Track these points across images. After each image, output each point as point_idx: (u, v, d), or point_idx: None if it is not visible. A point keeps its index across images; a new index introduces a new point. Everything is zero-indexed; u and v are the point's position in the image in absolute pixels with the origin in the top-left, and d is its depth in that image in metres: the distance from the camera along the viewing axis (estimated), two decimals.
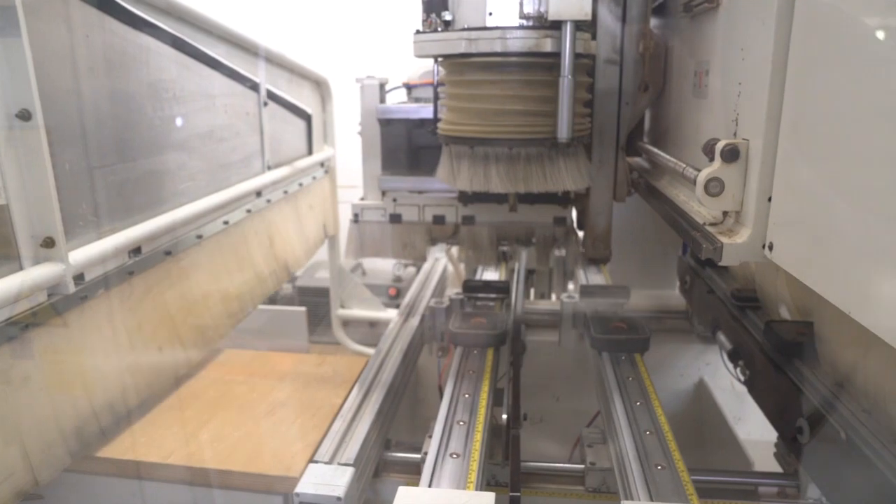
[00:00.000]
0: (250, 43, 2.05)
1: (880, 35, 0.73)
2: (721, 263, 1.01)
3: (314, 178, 2.63)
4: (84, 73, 1.22)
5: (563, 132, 1.37)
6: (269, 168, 2.19)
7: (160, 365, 1.51)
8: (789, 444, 1.22)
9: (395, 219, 1.98)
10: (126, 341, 1.37)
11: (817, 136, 0.84)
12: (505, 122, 1.40)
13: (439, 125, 1.53)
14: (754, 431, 1.78)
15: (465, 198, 1.91)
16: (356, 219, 2.01)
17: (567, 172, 1.46)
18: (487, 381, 1.38)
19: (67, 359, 1.18)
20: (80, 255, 1.20)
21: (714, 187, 1.02)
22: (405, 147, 1.97)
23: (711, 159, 1.03)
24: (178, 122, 1.61)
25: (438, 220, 1.96)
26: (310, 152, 2.65)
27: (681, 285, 2.04)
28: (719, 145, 1.01)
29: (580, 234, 1.94)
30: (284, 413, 1.51)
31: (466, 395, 1.31)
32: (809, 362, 1.23)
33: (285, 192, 2.31)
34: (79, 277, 1.21)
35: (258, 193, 2.09)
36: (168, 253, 1.55)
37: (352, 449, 1.18)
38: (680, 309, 2.15)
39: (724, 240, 1.02)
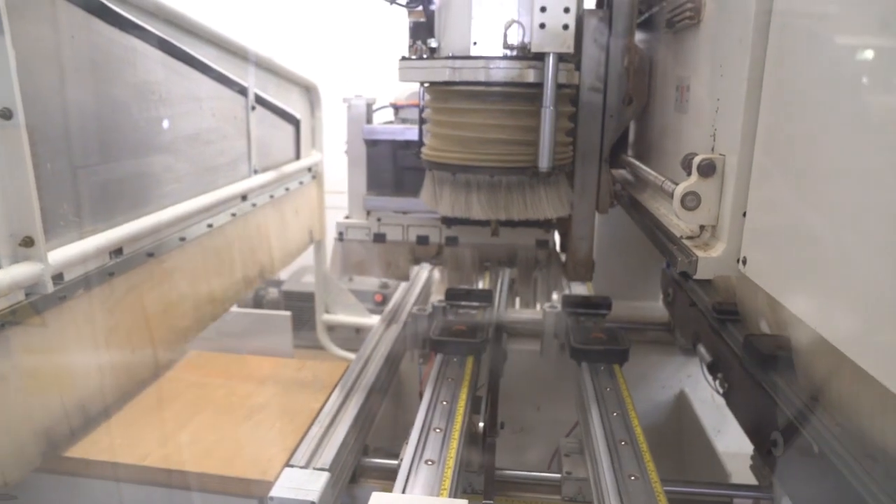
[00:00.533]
0: (239, 47, 2.06)
1: (851, 56, 0.75)
2: (696, 277, 1.02)
3: (301, 182, 2.64)
4: (68, 73, 1.23)
5: (544, 162, 1.38)
6: (256, 172, 2.20)
7: (137, 366, 1.50)
8: (764, 457, 1.23)
9: (380, 238, 2.00)
10: (104, 342, 1.37)
11: (789, 152, 0.86)
12: (487, 151, 1.42)
13: (423, 150, 1.54)
14: (733, 444, 1.79)
15: (448, 220, 1.92)
16: (341, 237, 2.02)
17: (548, 201, 1.48)
18: (466, 388, 1.38)
19: (44, 359, 1.18)
20: (60, 255, 1.19)
21: (691, 201, 1.03)
22: (391, 168, 1.99)
23: (689, 173, 1.05)
24: (164, 124, 1.61)
25: (422, 240, 1.98)
26: (297, 157, 2.65)
27: (664, 297, 2.05)
28: (696, 160, 1.03)
29: (562, 256, 1.95)
30: (262, 417, 1.51)
31: (444, 403, 1.32)
32: (786, 376, 1.24)
33: (271, 197, 2.31)
34: (58, 277, 1.21)
35: (244, 197, 2.10)
36: (150, 254, 1.55)
37: (328, 454, 1.18)
38: (663, 321, 2.17)
39: (699, 253, 1.03)
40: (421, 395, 1.46)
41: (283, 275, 4.13)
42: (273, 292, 3.87)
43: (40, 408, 1.20)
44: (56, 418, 1.23)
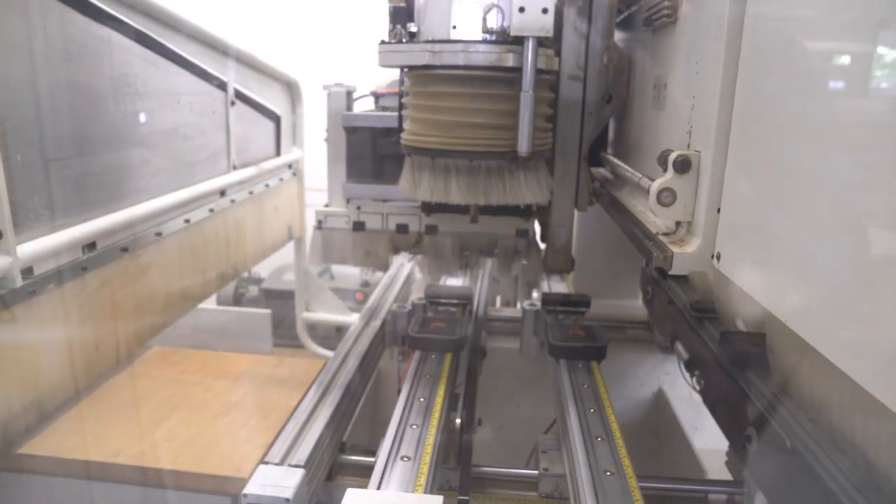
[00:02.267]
0: (219, 41, 2.04)
1: (817, 58, 0.76)
2: (671, 272, 1.03)
3: (281, 179, 2.62)
4: (40, 63, 1.21)
5: (524, 146, 1.39)
6: (235, 168, 2.18)
7: (108, 361, 1.49)
8: (739, 453, 1.24)
9: (359, 226, 1.98)
10: (76, 337, 1.35)
11: (760, 150, 0.87)
12: (466, 135, 1.42)
13: (402, 135, 1.54)
14: (710, 441, 1.81)
15: (427, 207, 1.91)
16: (320, 225, 2.01)
17: (527, 186, 1.48)
18: (443, 385, 1.38)
19: (11, 353, 1.16)
20: (30, 248, 1.18)
21: (666, 197, 1.04)
22: (370, 155, 1.97)
23: (665, 170, 1.06)
24: (141, 117, 1.60)
25: (402, 228, 1.97)
26: (278, 154, 2.64)
27: (643, 296, 2.06)
28: (672, 156, 1.04)
29: (542, 246, 1.96)
30: (238, 414, 1.50)
31: (422, 399, 1.32)
32: (761, 372, 1.26)
33: (250, 193, 2.30)
34: (27, 271, 1.20)
35: (222, 193, 2.08)
36: (125, 249, 1.53)
37: (303, 451, 1.17)
38: (642, 319, 2.18)
39: (675, 249, 1.04)
40: (399, 393, 1.46)
41: (264, 273, 4.12)
42: (253, 290, 3.86)
43: (6, 403, 1.18)
44: (25, 413, 1.22)
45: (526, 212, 1.89)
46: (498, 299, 2.75)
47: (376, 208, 1.98)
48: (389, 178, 1.87)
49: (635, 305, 2.29)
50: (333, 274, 4.03)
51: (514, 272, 2.25)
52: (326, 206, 2.04)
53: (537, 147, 1.45)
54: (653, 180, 1.12)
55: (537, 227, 2.01)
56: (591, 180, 1.77)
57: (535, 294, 2.35)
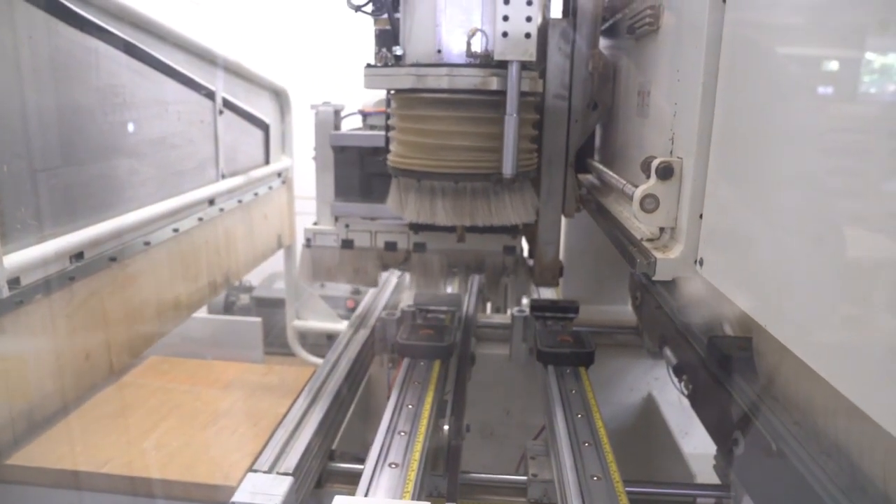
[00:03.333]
0: (206, 51, 2.04)
1: (797, 62, 0.77)
2: (655, 278, 1.04)
3: (270, 188, 2.63)
4: (26, 74, 1.21)
5: (508, 168, 1.39)
6: (224, 177, 2.18)
7: (97, 372, 1.48)
8: (726, 456, 1.25)
9: (348, 244, 1.99)
10: (65, 347, 1.35)
11: (741, 155, 0.88)
12: (451, 157, 1.43)
13: (388, 157, 1.55)
14: (699, 445, 1.82)
15: (415, 226, 1.92)
16: (308, 243, 2.01)
17: (512, 207, 1.49)
18: (432, 392, 1.39)
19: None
20: (16, 258, 1.18)
21: (649, 204, 1.05)
22: (358, 174, 1.98)
23: (648, 176, 1.07)
24: (129, 127, 1.60)
25: (390, 246, 1.98)
26: (267, 162, 2.64)
27: (632, 301, 2.07)
28: (655, 163, 1.05)
29: (530, 262, 1.97)
30: (227, 422, 1.50)
31: (410, 406, 1.32)
32: (748, 376, 1.27)
33: (239, 202, 2.30)
34: (14, 282, 1.19)
35: (211, 202, 2.08)
36: (113, 259, 1.53)
37: (292, 458, 1.17)
38: (631, 325, 2.19)
39: (658, 255, 1.05)
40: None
41: (255, 281, 4.11)
42: (244, 298, 3.85)
43: None
44: (3, 424, 1.21)
45: (513, 229, 1.90)
46: (488, 306, 2.76)
47: (365, 226, 1.99)
48: (378, 196, 1.88)
49: (624, 311, 2.30)
50: (324, 282, 4.02)
51: (502, 289, 2.26)
52: (315, 224, 2.04)
53: (522, 168, 1.46)
54: (637, 187, 1.13)
55: (525, 244, 2.02)
56: (578, 186, 1.78)
57: (524, 301, 2.36)
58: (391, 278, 2.34)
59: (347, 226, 1.98)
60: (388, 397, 1.39)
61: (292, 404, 1.37)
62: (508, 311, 2.38)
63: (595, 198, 1.72)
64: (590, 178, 1.88)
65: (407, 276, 2.17)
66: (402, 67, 1.41)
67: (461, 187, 1.45)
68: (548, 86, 1.61)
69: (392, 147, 1.53)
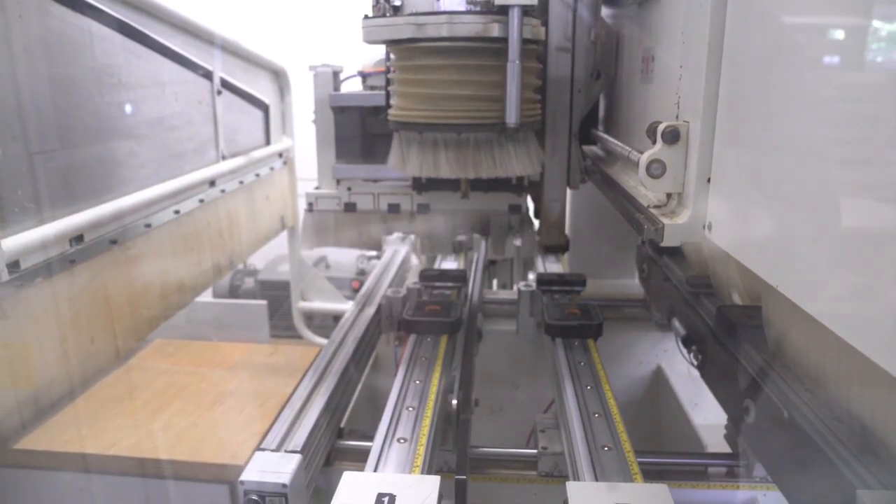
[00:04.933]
0: (203, 30, 2.02)
1: (798, 25, 0.75)
2: (663, 244, 1.02)
3: (272, 168, 2.62)
4: (18, 55, 1.20)
5: (512, 117, 1.38)
6: (224, 158, 2.17)
7: (102, 355, 1.48)
8: (737, 426, 1.24)
9: (350, 207, 1.98)
10: (67, 331, 1.35)
11: (748, 117, 0.86)
12: (453, 108, 1.41)
13: (389, 111, 1.53)
14: (710, 416, 1.82)
15: (419, 185, 1.91)
16: (311, 208, 2.00)
17: (517, 158, 1.47)
18: (439, 367, 1.38)
19: (2, 349, 1.16)
20: (15, 242, 1.17)
21: (656, 169, 1.03)
22: (359, 135, 1.97)
23: (654, 141, 1.05)
24: (126, 108, 1.59)
25: (393, 208, 1.96)
26: (267, 143, 2.63)
27: (639, 274, 2.06)
28: (660, 127, 1.03)
29: (536, 222, 1.95)
30: (233, 402, 1.51)
31: (417, 382, 1.32)
32: (757, 345, 1.26)
33: (241, 183, 2.29)
34: (14, 265, 1.19)
35: (212, 183, 2.08)
36: (114, 241, 1.53)
37: (300, 437, 1.17)
38: (638, 297, 2.18)
39: (665, 221, 1.03)
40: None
41: (259, 264, 4.13)
42: (249, 282, 3.87)
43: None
44: (17, 409, 1.21)
45: (518, 187, 1.88)
46: (494, 283, 2.76)
47: (367, 188, 1.98)
48: (379, 158, 1.87)
49: (632, 284, 2.29)
50: (329, 263, 4.03)
51: (508, 253, 2.24)
52: (317, 188, 2.03)
53: (526, 118, 1.44)
54: (642, 153, 1.11)
55: (531, 204, 2.01)
56: (582, 158, 1.77)
57: (531, 276, 2.35)
58: (398, 250, 2.35)
59: (349, 189, 1.98)
60: (395, 373, 1.39)
61: (299, 383, 1.36)
62: (514, 287, 2.37)
63: (600, 169, 1.70)
64: (594, 149, 1.86)
65: (411, 241, 2.16)
66: (401, 17, 1.39)
67: (464, 138, 1.44)
68: (550, 38, 1.59)
69: (393, 101, 1.51)
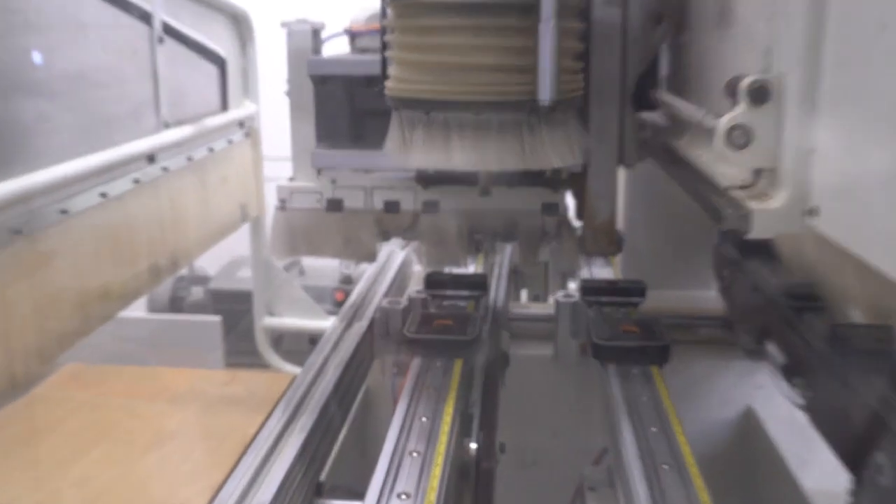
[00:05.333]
0: None
1: None
2: (750, 235, 1.03)
3: (230, 141, 2.64)
4: None
5: (546, 92, 1.39)
6: (167, 126, 2.19)
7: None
8: (867, 492, 1.23)
9: (335, 205, 1.98)
10: None
11: (874, 66, 0.86)
12: (469, 81, 1.42)
13: (386, 83, 1.54)
14: (825, 478, 1.80)
15: (424, 178, 1.91)
16: (283, 205, 2.01)
17: (552, 145, 1.48)
18: (452, 401, 1.39)
19: None
20: None
21: (738, 137, 1.04)
22: (347, 112, 1.97)
23: (735, 101, 1.06)
24: (34, 57, 1.60)
25: (391, 206, 1.97)
26: (224, 108, 2.65)
27: (719, 282, 2.06)
28: (744, 83, 1.04)
29: (578, 224, 1.96)
30: (176, 446, 1.52)
31: (424, 420, 1.33)
32: (892, 377, 1.25)
33: (189, 159, 2.32)
34: None
35: (150, 158, 2.09)
36: (17, 232, 1.55)
37: (265, 493, 1.18)
38: (717, 314, 2.18)
39: (753, 205, 1.04)
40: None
41: (211, 268, 4.15)
42: (197, 292, 3.90)
43: None
44: None
45: (554, 180, 1.89)
46: (524, 294, 2.76)
47: (357, 181, 1.99)
48: (373, 142, 1.87)
49: (706, 297, 2.28)
50: (304, 268, 4.05)
51: (542, 258, 2.25)
52: (291, 179, 2.04)
53: (564, 93, 1.45)
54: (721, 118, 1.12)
55: (570, 201, 2.01)
56: (639, 128, 1.77)
57: (571, 285, 2.36)
58: (395, 253, 2.35)
59: (334, 181, 1.98)
60: (395, 410, 1.40)
61: (265, 422, 1.38)
62: (550, 299, 2.37)
63: (663, 141, 1.71)
64: (654, 116, 1.86)
65: (414, 248, 2.16)
66: None
67: (484, 120, 1.45)
68: None
69: (391, 71, 1.52)
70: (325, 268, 4.01)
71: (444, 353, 1.56)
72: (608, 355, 1.54)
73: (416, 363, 1.55)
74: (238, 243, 3.21)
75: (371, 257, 2.09)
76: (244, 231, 3.00)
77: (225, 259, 4.18)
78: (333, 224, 2.01)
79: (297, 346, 3.21)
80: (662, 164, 1.72)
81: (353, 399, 1.69)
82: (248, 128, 2.79)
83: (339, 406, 1.56)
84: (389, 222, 2.00)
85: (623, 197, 2.17)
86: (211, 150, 2.47)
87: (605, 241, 1.82)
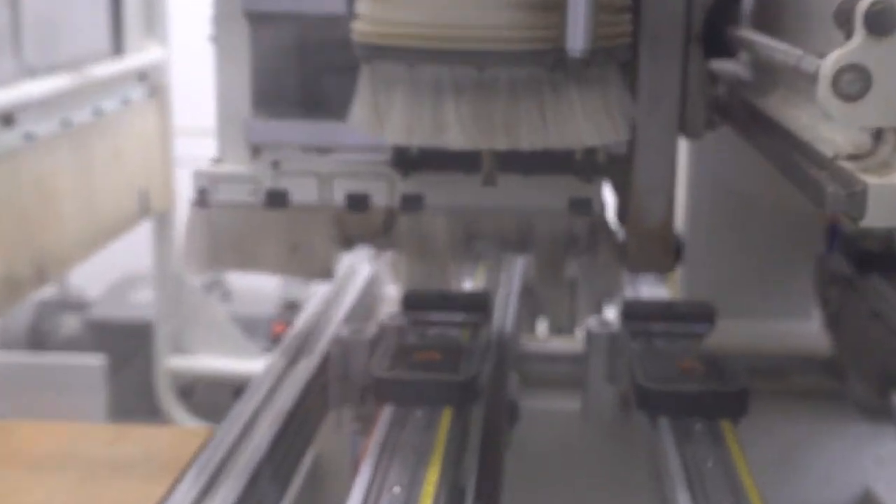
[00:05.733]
0: None
1: None
2: (864, 223, 1.03)
3: (126, 101, 2.64)
4: None
5: (577, 38, 1.39)
6: (33, 73, 2.20)
7: None
8: None
9: (277, 200, 1.98)
10: None
11: None
12: (470, 22, 1.43)
13: (354, 26, 1.55)
14: None
15: (404, 162, 1.91)
16: (202, 198, 2.01)
17: (584, 115, 1.48)
18: (437, 468, 1.39)
19: None
20: None
21: (851, 83, 1.04)
22: (297, 66, 1.98)
23: (847, 34, 1.06)
24: None
25: (357, 202, 1.97)
26: (118, 51, 2.66)
27: (823, 308, 2.07)
28: (861, 4, 1.04)
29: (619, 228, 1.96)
30: None
31: (396, 490, 1.33)
32: None
33: (65, 124, 2.33)
34: None
35: (7, 120, 2.11)
36: None
37: None
38: (820, 354, 2.19)
39: (869, 179, 1.04)
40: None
41: (93, 288, 4.14)
42: (71, 322, 3.89)
43: None
44: None
45: (587, 165, 1.89)
46: (541, 325, 2.77)
47: (309, 166, 1.99)
48: (333, 109, 1.88)
49: (805, 330, 2.30)
50: (230, 289, 4.05)
51: (568, 275, 2.26)
52: (215, 162, 2.04)
53: (603, 41, 1.46)
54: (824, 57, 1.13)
55: (609, 196, 2.02)
56: (710, 83, 1.78)
57: (609, 311, 2.36)
58: (358, 267, 2.35)
59: (276, 165, 1.98)
60: (355, 481, 1.40)
61: (166, 496, 1.37)
62: (578, 332, 2.38)
63: (744, 100, 1.72)
64: (732, 66, 1.88)
65: (387, 262, 2.16)
66: None
67: (490, 78, 1.46)
68: None
69: (361, 7, 1.53)
70: (260, 289, 4.01)
71: (428, 401, 1.55)
72: (660, 405, 1.54)
73: (386, 414, 1.54)
74: (133, 252, 3.22)
75: (326, 273, 2.08)
76: (143, 233, 3.00)
77: (112, 275, 4.19)
78: (274, 226, 2.00)
79: (217, 396, 3.21)
80: (743, 132, 1.73)
81: (295, 466, 1.69)
82: (152, 82, 2.80)
83: (276, 476, 1.56)
84: (354, 224, 1.99)
85: (684, 187, 2.18)
86: (97, 111, 2.49)
87: (658, 252, 1.83)
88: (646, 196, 1.78)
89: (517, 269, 2.29)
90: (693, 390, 1.55)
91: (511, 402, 1.79)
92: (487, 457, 1.59)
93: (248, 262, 2.07)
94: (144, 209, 2.83)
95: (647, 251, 1.82)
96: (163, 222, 2.99)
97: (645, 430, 1.56)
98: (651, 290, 2.03)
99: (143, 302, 3.78)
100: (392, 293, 2.41)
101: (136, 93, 2.72)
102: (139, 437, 1.86)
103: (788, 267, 2.29)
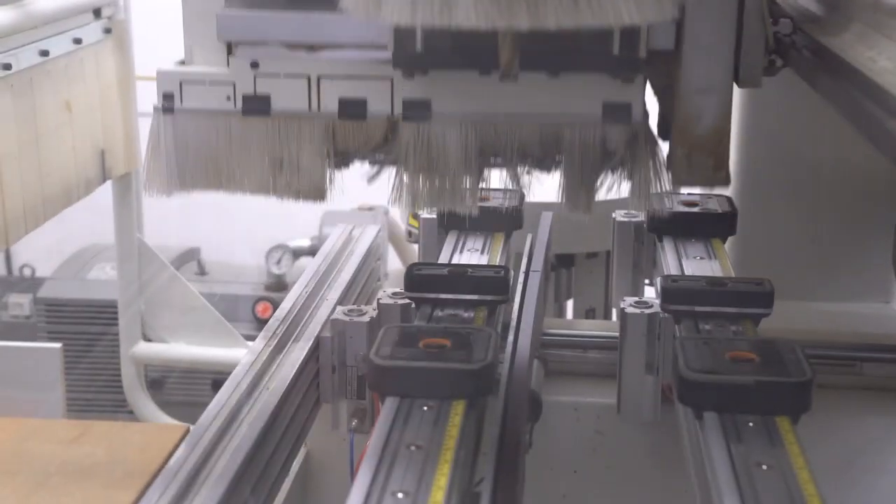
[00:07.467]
0: None
1: None
2: None
3: (78, 42, 2.65)
4: None
5: None
6: None
7: None
8: None
9: (258, 106, 1.96)
10: None
11: None
12: None
13: None
14: None
15: (407, 58, 1.89)
16: (168, 104, 1.98)
17: None
18: (447, 469, 1.41)
19: None
20: None
21: None
22: None
23: None
24: None
25: (352, 108, 1.94)
26: None
27: None
28: None
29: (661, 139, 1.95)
30: None
31: (399, 496, 1.34)
32: None
33: (6, 69, 2.35)
34: None
35: None
36: None
37: None
38: None
39: None
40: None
41: (45, 264, 4.14)
42: (20, 302, 3.90)
43: None
44: None
45: (626, 60, 1.87)
46: (569, 306, 2.77)
47: (295, 66, 1.98)
48: None
49: (882, 313, 2.30)
50: (205, 264, 4.06)
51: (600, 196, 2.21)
52: (182, 63, 2.03)
53: None
54: None
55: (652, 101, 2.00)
56: (769, 18, 1.79)
57: (649, 291, 2.35)
58: (364, 236, 2.36)
59: (256, 65, 1.96)
60: (352, 484, 1.41)
61: (137, 500, 1.38)
62: (614, 312, 2.37)
63: (810, 40, 1.71)
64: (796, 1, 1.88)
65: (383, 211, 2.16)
66: None
67: None
68: None
69: None
70: (239, 264, 4.02)
71: (436, 393, 1.57)
72: (707, 399, 1.55)
73: (388, 409, 1.55)
74: (89, 222, 3.23)
75: (318, 194, 2.04)
76: (101, 199, 3.02)
77: (68, 250, 4.20)
78: (255, 137, 1.98)
79: (192, 388, 3.23)
80: (808, 78, 1.73)
81: (283, 469, 1.70)
82: (108, 19, 2.80)
83: (261, 482, 1.57)
84: (349, 135, 1.96)
85: (735, 148, 2.18)
86: (44, 53, 2.50)
87: (710, 161, 1.81)
88: (696, 97, 1.77)
89: (546, 231, 2.26)
90: (745, 382, 1.54)
91: (533, 395, 1.80)
92: (505, 457, 1.58)
93: (223, 181, 2.02)
94: (104, 172, 2.82)
95: (695, 159, 1.80)
96: (125, 186, 2.99)
97: (689, 427, 1.58)
98: (699, 266, 2.01)
99: (102, 280, 3.80)
100: (395, 272, 2.41)
101: (92, 33, 2.71)
102: (102, 436, 1.87)
103: (860, 240, 2.29)
